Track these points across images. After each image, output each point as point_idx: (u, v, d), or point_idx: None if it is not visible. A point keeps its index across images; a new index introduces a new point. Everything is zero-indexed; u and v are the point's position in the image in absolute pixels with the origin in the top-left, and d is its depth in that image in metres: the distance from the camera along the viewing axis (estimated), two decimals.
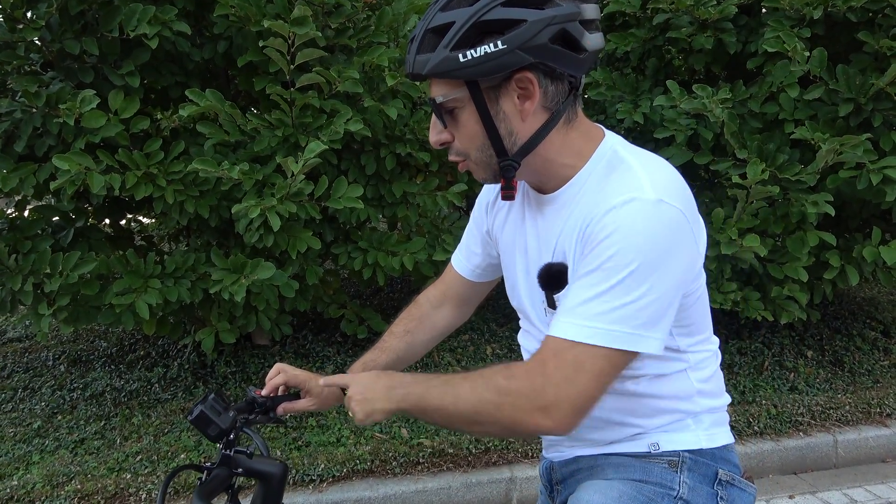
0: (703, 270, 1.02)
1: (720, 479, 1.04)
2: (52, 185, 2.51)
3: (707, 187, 3.72)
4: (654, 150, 3.53)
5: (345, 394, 1.07)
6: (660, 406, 1.04)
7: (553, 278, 1.01)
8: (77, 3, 2.57)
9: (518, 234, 1.12)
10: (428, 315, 1.36)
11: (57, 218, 3.10)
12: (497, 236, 1.20)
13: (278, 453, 2.81)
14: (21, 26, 2.55)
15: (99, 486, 2.61)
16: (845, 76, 2.90)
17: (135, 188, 2.60)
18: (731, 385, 3.35)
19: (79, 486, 2.60)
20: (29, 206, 3.08)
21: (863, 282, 3.36)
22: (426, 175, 3.38)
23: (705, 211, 3.20)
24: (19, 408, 3.31)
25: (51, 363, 3.81)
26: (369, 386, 1.03)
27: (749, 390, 3.31)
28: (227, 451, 1.09)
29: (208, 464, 1.10)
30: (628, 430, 1.06)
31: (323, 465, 2.70)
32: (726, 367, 3.51)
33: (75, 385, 3.48)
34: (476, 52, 0.89)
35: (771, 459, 2.94)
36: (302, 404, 1.23)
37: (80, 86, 2.74)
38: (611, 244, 0.89)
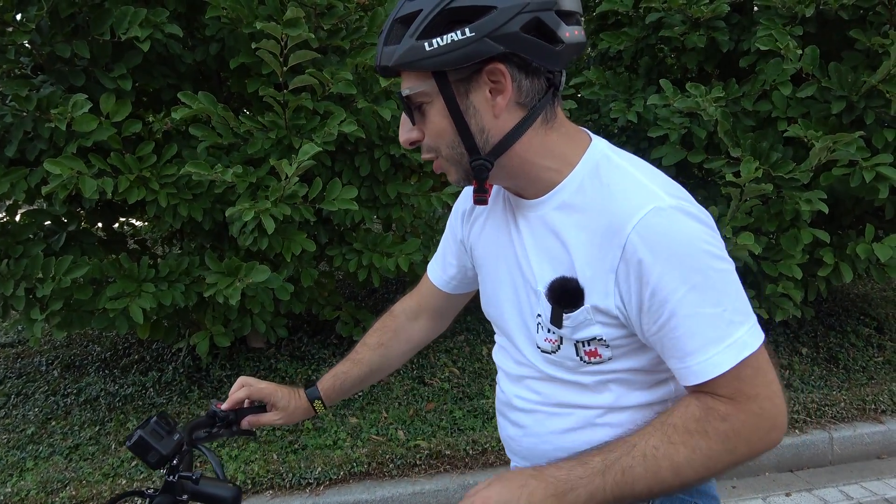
0: None
1: None
2: (44, 190, 2.49)
3: (701, 186, 3.73)
4: (648, 149, 3.52)
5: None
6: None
7: (568, 294, 0.92)
8: (67, 6, 2.56)
9: (502, 245, 1.04)
10: (403, 327, 1.30)
11: (49, 222, 3.08)
12: (473, 246, 1.14)
13: (274, 457, 2.80)
14: (10, 29, 2.52)
15: (94, 492, 2.59)
16: (837, 74, 2.91)
17: (127, 192, 2.59)
18: None
19: (73, 493, 2.58)
20: (20, 211, 3.06)
21: (856, 278, 3.36)
22: (420, 176, 3.37)
23: None
24: (12, 414, 3.28)
25: (44, 368, 3.78)
26: (522, 499, 0.83)
27: None
28: (171, 477, 1.04)
29: (150, 490, 1.05)
30: None
31: (320, 469, 2.69)
32: None
33: (69, 390, 3.45)
34: (443, 40, 0.84)
35: (767, 457, 2.95)
36: (267, 418, 1.19)
37: (71, 89, 2.72)
38: (676, 264, 0.83)
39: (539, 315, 0.97)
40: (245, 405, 1.20)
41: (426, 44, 0.84)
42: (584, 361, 0.95)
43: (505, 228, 1.03)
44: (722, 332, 0.83)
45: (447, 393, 3.29)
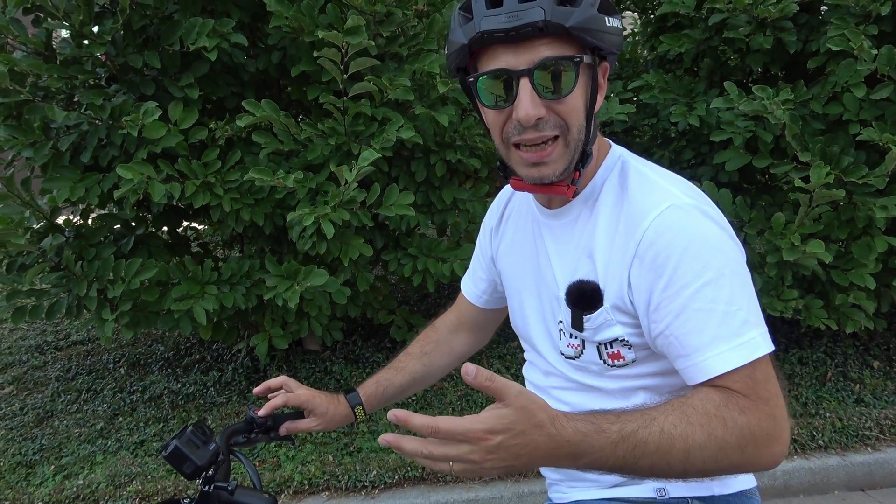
0: None
1: None
2: (116, 194, 2.59)
3: (765, 191, 3.60)
4: (710, 154, 3.41)
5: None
6: None
7: (585, 297, 0.92)
8: (140, 19, 2.66)
9: (528, 257, 1.05)
10: (445, 339, 1.31)
11: (118, 226, 3.21)
12: (501, 262, 1.14)
13: (330, 458, 2.84)
14: (87, 42, 2.65)
15: (158, 487, 2.67)
16: None
17: (193, 196, 2.67)
18: (793, 396, 3.23)
19: (140, 487, 2.68)
20: (92, 215, 3.20)
21: None
22: (476, 181, 3.37)
23: (765, 216, 3.10)
24: (83, 409, 3.43)
25: (111, 366, 3.94)
26: (524, 451, 0.71)
27: (812, 402, 3.18)
28: (206, 488, 1.02)
29: (186, 501, 1.05)
30: None
31: (375, 472, 2.71)
32: (787, 377, 3.39)
33: (135, 388, 3.59)
34: (612, 21, 0.85)
35: (837, 475, 2.82)
36: (305, 424, 1.18)
37: (141, 98, 2.83)
38: (691, 259, 0.82)
39: (561, 321, 0.97)
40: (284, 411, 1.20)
41: (606, 18, 0.84)
42: (608, 365, 0.94)
43: (531, 243, 1.04)
44: (734, 329, 0.81)
45: None
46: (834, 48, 2.72)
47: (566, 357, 0.99)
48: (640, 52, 4.24)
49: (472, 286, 1.27)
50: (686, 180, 0.94)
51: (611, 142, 0.98)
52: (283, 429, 1.17)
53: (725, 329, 0.81)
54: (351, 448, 2.92)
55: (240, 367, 3.65)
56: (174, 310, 2.80)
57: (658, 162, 4.01)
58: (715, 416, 0.78)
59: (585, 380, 0.98)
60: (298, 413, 1.21)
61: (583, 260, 0.93)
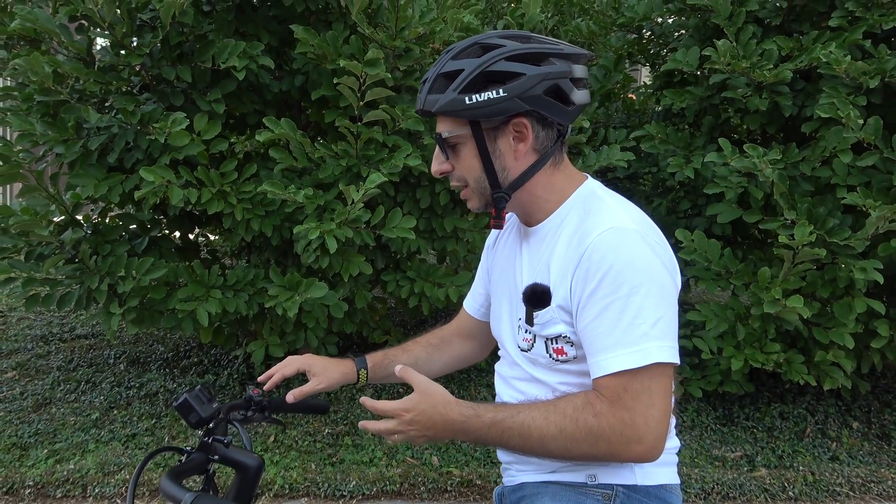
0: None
1: None
2: (137, 195, 2.75)
3: (758, 246, 3.72)
4: (705, 206, 3.54)
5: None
6: None
7: (537, 296, 1.09)
8: (177, 35, 2.86)
9: (508, 266, 1.22)
10: (450, 340, 1.46)
11: (134, 226, 3.37)
12: (493, 274, 1.31)
13: (312, 466, 2.93)
14: (125, 52, 2.84)
15: (145, 478, 2.77)
16: None
17: (209, 203, 2.83)
18: (770, 448, 3.29)
19: (127, 476, 2.78)
20: (111, 214, 3.36)
21: None
22: (478, 213, 3.51)
23: (752, 269, 3.21)
24: (81, 399, 3.54)
25: (112, 361, 4.06)
26: (429, 423, 1.01)
27: (787, 455, 3.24)
28: (206, 439, 1.17)
29: (188, 447, 1.19)
30: None
31: (354, 483, 2.80)
32: (766, 430, 3.45)
33: (132, 384, 3.70)
34: (480, 96, 1.03)
35: None
36: (308, 387, 1.28)
37: (170, 108, 3.01)
38: (615, 274, 0.98)
39: (520, 318, 1.14)
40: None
41: (466, 98, 1.04)
42: (554, 359, 1.09)
43: (513, 255, 1.22)
44: (633, 339, 0.96)
45: None
46: (823, 115, 2.87)
47: (522, 350, 1.15)
48: (648, 104, 4.43)
49: (472, 300, 1.44)
50: (641, 211, 1.10)
51: (588, 176, 1.16)
52: (291, 395, 1.27)
53: (626, 337, 0.96)
54: (334, 459, 3.01)
55: (235, 373, 3.76)
56: (179, 309, 2.93)
57: (656, 209, 4.13)
58: (570, 416, 0.98)
59: (535, 372, 1.13)
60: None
61: (542, 268, 1.10)
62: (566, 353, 1.08)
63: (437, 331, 1.49)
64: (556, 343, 1.08)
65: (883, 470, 3.14)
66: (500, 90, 1.02)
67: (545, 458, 1.03)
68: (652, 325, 0.97)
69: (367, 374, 1.35)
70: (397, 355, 1.39)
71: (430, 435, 1.01)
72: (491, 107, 1.03)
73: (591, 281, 1.00)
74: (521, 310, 1.13)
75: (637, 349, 0.96)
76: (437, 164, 1.13)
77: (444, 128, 1.09)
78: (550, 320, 1.07)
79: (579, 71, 1.07)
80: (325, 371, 1.31)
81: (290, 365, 1.31)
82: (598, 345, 0.99)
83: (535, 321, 1.09)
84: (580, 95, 1.07)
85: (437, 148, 1.12)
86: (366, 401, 1.03)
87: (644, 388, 0.96)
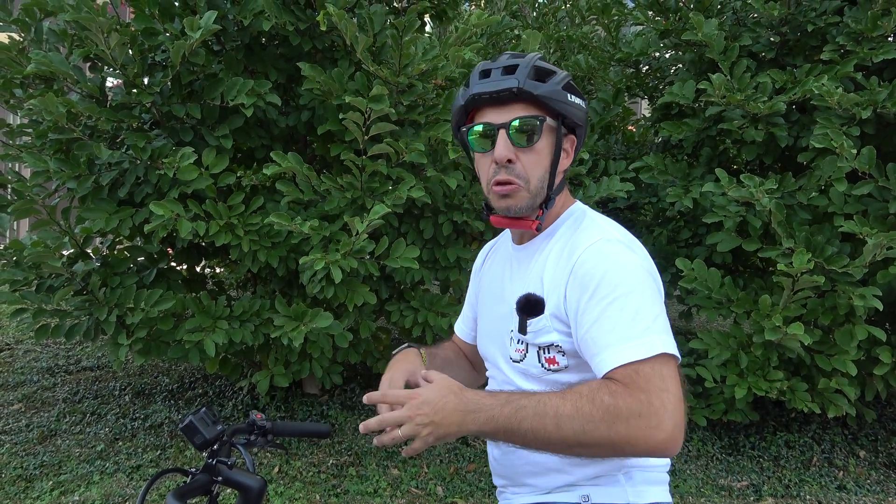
0: None
1: None
2: (147, 228, 2.81)
3: (759, 274, 3.75)
4: (705, 235, 3.59)
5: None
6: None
7: (531, 304, 1.12)
8: (188, 74, 2.96)
9: (497, 284, 1.26)
10: (458, 353, 1.47)
11: (143, 258, 3.43)
12: (481, 295, 1.35)
13: (317, 497, 2.92)
14: (136, 90, 2.93)
15: (149, 502, 2.77)
16: None
17: (216, 235, 2.88)
18: (776, 477, 3.27)
19: None
20: (119, 247, 3.42)
21: None
22: (480, 243, 3.56)
23: (753, 297, 3.23)
24: (86, 431, 3.55)
25: (117, 393, 4.08)
26: (439, 405, 0.97)
27: (794, 484, 3.22)
28: (211, 460, 1.21)
29: (192, 469, 1.22)
30: (564, 479, 1.12)
31: None
32: (772, 458, 3.44)
33: (137, 415, 3.71)
34: (576, 99, 1.14)
35: None
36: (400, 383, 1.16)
37: (179, 143, 3.09)
38: (611, 277, 1.03)
39: (512, 330, 1.16)
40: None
41: (569, 95, 1.13)
42: (546, 368, 1.12)
43: (502, 273, 1.26)
44: (637, 332, 0.98)
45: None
46: (818, 145, 2.93)
47: (513, 361, 1.17)
48: (648, 135, 4.51)
49: (464, 325, 1.47)
50: (624, 229, 1.17)
51: (577, 200, 1.24)
52: (367, 397, 1.09)
53: (630, 332, 0.99)
54: (338, 489, 3.00)
55: (240, 404, 3.77)
56: (186, 340, 2.97)
57: (657, 239, 4.17)
58: (586, 395, 0.95)
59: (528, 384, 1.15)
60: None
61: (534, 280, 1.14)
62: (558, 363, 1.11)
63: (448, 343, 1.49)
64: (549, 352, 1.11)
65: (891, 499, 3.12)
66: (583, 103, 1.15)
67: (558, 445, 0.96)
68: (653, 321, 1.00)
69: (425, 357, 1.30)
70: (437, 353, 1.38)
71: (439, 420, 0.96)
72: (580, 112, 1.14)
73: (588, 287, 1.04)
74: (514, 321, 1.15)
75: (642, 341, 0.97)
76: (506, 150, 1.10)
77: (530, 112, 1.10)
78: (543, 328, 1.10)
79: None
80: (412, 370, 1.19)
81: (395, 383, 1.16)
82: (603, 342, 1.00)
83: (529, 329, 1.12)
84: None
85: (505, 135, 1.10)
86: (371, 395, 1.02)
87: (656, 372, 0.95)
